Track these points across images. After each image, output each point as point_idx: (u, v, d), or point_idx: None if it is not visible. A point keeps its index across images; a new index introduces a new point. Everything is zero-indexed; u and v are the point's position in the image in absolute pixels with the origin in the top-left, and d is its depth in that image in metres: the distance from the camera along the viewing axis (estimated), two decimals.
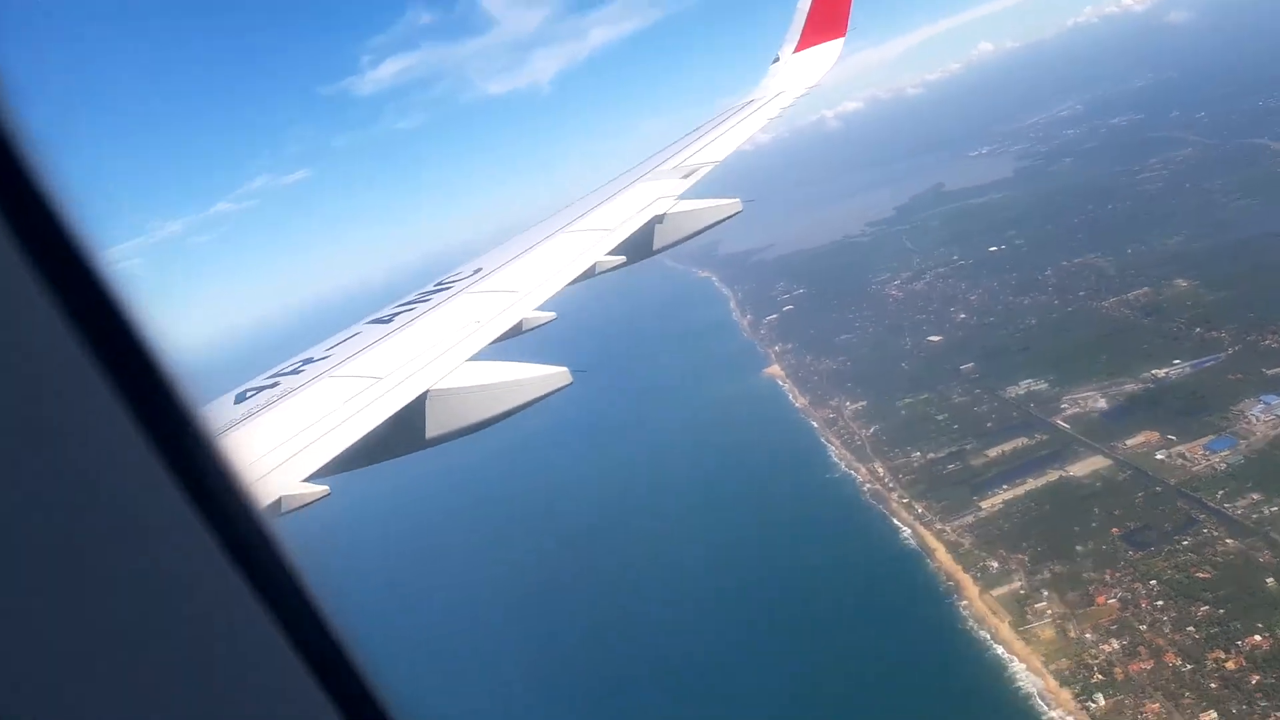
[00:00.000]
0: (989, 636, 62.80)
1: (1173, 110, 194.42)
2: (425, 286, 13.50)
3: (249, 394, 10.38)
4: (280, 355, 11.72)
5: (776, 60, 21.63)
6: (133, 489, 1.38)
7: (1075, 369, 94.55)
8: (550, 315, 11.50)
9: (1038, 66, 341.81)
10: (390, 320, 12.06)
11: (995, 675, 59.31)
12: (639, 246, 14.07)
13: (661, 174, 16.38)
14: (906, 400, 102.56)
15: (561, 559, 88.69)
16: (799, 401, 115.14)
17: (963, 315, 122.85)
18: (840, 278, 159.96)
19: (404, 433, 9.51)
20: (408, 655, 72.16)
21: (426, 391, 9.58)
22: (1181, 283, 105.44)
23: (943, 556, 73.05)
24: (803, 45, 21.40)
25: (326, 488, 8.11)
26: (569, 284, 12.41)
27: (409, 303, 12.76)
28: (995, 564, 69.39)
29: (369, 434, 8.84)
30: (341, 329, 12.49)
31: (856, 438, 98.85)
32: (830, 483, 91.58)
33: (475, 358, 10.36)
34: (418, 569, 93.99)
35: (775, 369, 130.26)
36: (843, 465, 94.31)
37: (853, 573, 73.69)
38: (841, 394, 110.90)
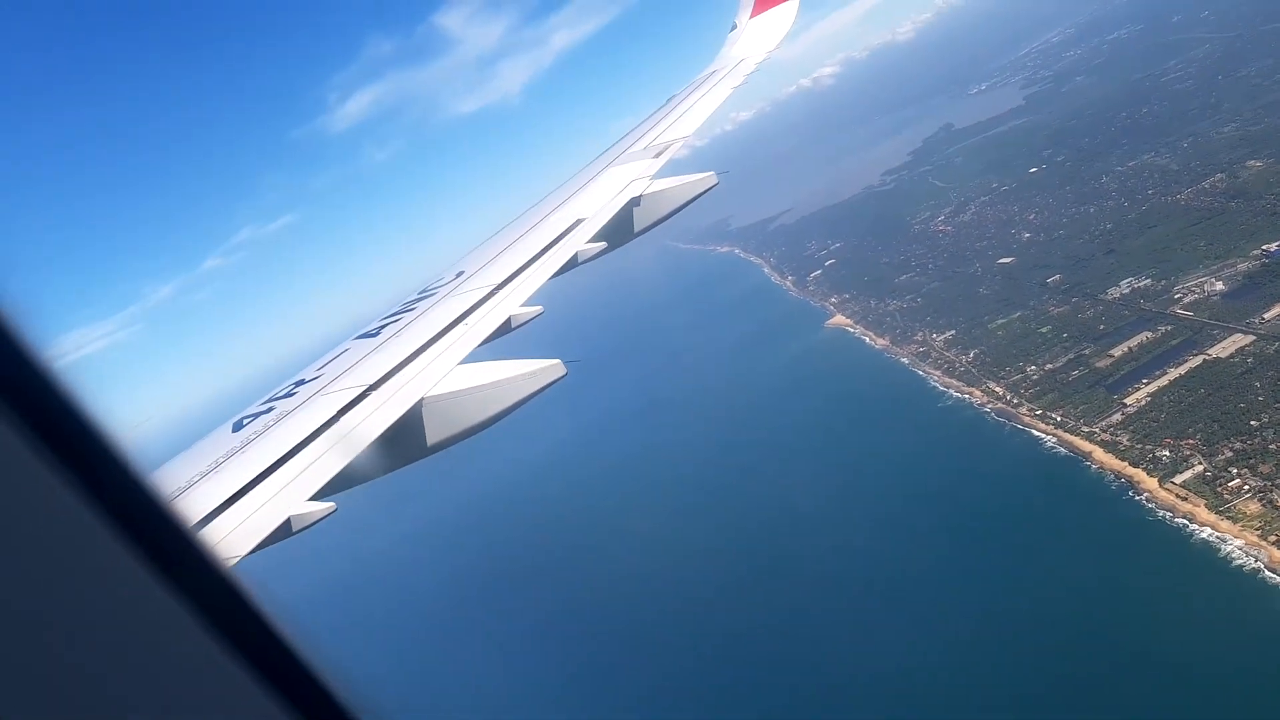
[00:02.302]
0: (1187, 522, 60.00)
1: (1174, 15, 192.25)
2: (409, 296, 13.54)
3: (246, 421, 10.38)
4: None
5: (734, 28, 21.63)
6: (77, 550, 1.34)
7: (1175, 260, 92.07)
8: (537, 309, 11.47)
9: (1014, 2, 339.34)
10: (378, 333, 12.06)
11: (1210, 557, 56.49)
12: (619, 231, 13.98)
13: (633, 156, 16.18)
14: (999, 322, 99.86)
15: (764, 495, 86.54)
16: (879, 343, 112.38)
17: (1027, 235, 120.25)
18: (876, 225, 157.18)
19: (404, 443, 9.49)
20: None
21: (421, 400, 9.57)
22: (1255, 164, 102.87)
23: (1101, 456, 70.26)
24: (758, 9, 21.41)
25: (333, 504, 8.12)
26: (552, 276, 12.35)
27: (395, 314, 12.75)
28: (1165, 453, 66.66)
29: (368, 448, 8.87)
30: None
31: (957, 364, 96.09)
32: (947, 410, 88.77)
33: (467, 360, 10.34)
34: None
35: (839, 319, 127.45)
36: (953, 392, 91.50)
37: (1012, 488, 70.94)
38: (924, 328, 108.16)
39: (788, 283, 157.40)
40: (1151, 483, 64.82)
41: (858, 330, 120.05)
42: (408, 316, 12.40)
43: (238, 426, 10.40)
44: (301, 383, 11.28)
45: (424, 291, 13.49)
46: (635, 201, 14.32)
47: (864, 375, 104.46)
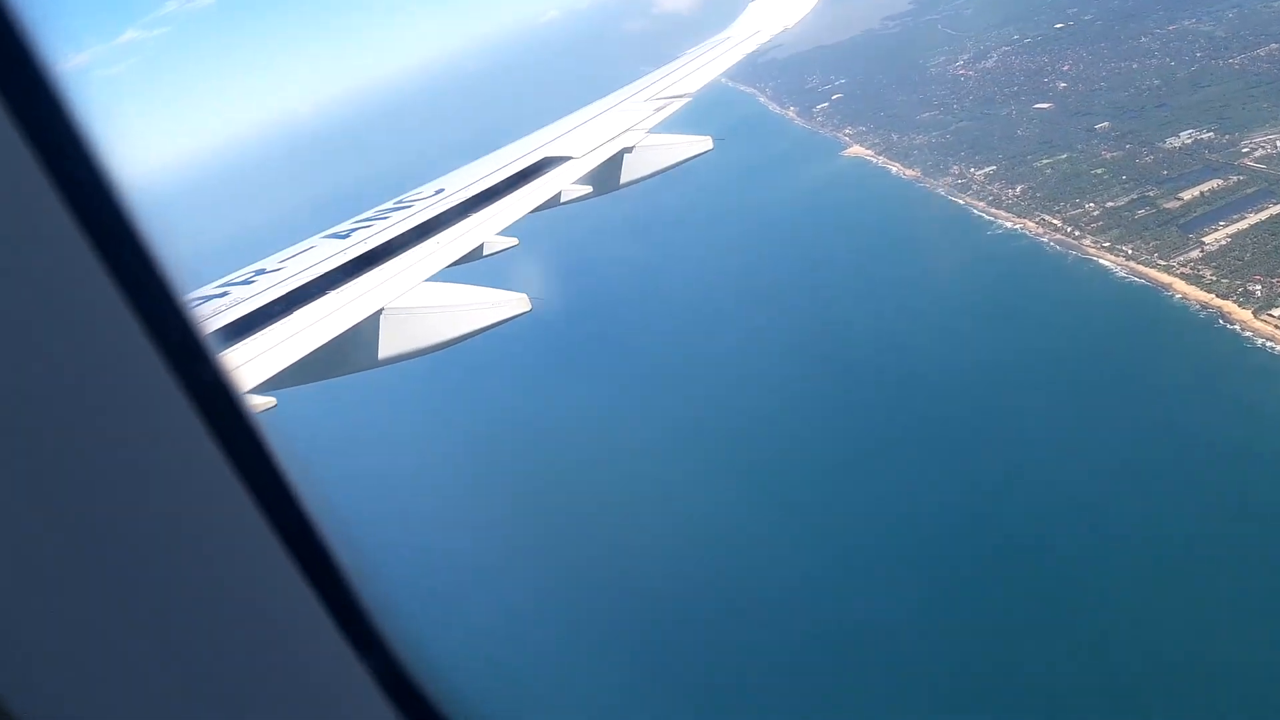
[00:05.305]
0: None
1: None
2: (384, 204, 13.47)
3: (197, 302, 10.14)
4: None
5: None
6: (132, 388, 1.36)
7: (1237, 118, 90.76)
8: (512, 240, 11.61)
9: None
10: (348, 236, 12.03)
11: None
12: (606, 178, 14.03)
13: (634, 105, 16.18)
14: (1045, 160, 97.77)
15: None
16: (908, 173, 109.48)
17: (1063, 84, 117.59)
18: (885, 65, 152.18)
19: (356, 350, 9.56)
20: None
21: (381, 309, 9.60)
22: None
23: (1183, 287, 69.69)
24: None
25: (272, 399, 8.03)
26: (532, 211, 12.36)
27: (367, 219, 12.75)
28: (1257, 288, 66.28)
29: (320, 348, 8.87)
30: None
31: (1003, 198, 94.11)
32: (998, 238, 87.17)
33: (433, 279, 10.39)
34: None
35: (857, 149, 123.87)
36: (1003, 222, 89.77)
37: (1090, 310, 70.06)
38: (958, 162, 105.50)
39: (790, 113, 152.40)
40: (1244, 314, 64.53)
41: (880, 160, 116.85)
42: (380, 224, 12.22)
43: None
44: (261, 272, 11.08)
45: (400, 203, 13.29)
46: (627, 150, 14.14)
47: (898, 202, 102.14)
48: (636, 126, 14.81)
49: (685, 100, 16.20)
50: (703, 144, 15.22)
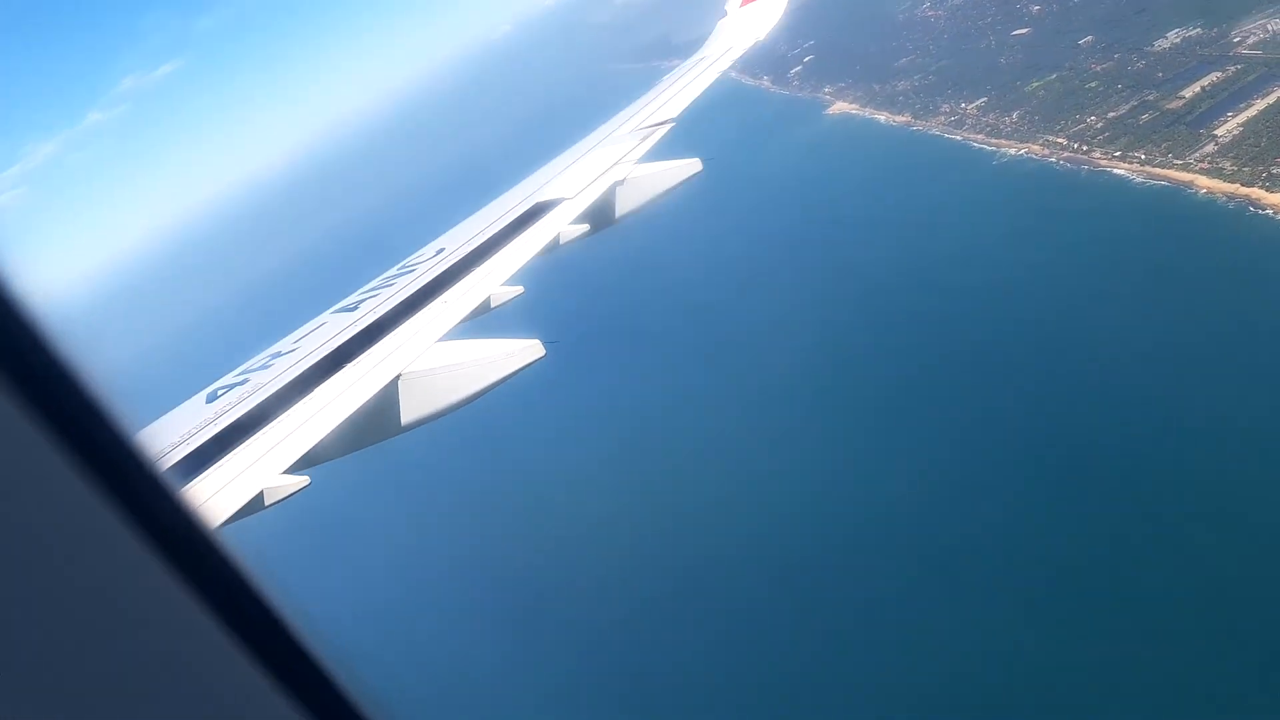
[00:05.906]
0: None
1: None
2: (389, 271, 13.78)
3: (220, 392, 10.58)
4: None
5: (725, 16, 22.30)
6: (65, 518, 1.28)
7: (1221, 10, 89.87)
8: (518, 290, 11.76)
9: None
10: (356, 308, 12.23)
11: None
12: (602, 214, 14.17)
13: (619, 138, 16.44)
14: (1035, 84, 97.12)
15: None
16: (898, 119, 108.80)
17: (1037, 7, 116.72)
18: (851, 20, 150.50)
19: (379, 419, 9.69)
20: None
21: (398, 375, 9.80)
22: None
23: (1206, 182, 68.97)
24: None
25: (307, 478, 8.34)
26: (533, 257, 12.54)
27: (373, 289, 12.96)
28: None
29: (344, 422, 9.04)
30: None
31: (1000, 126, 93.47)
32: (1005, 167, 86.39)
33: (445, 337, 10.55)
34: None
35: (841, 105, 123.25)
36: (1005, 150, 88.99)
37: (1120, 222, 69.10)
38: (947, 100, 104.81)
39: (764, 82, 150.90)
40: (1274, 198, 63.84)
41: (866, 112, 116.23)
42: (386, 291, 12.42)
43: (211, 398, 10.36)
44: (277, 355, 11.28)
45: (404, 268, 13.54)
46: (619, 184, 14.34)
47: (896, 148, 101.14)
48: (625, 159, 14.96)
49: (669, 126, 16.40)
50: (692, 166, 15.33)
